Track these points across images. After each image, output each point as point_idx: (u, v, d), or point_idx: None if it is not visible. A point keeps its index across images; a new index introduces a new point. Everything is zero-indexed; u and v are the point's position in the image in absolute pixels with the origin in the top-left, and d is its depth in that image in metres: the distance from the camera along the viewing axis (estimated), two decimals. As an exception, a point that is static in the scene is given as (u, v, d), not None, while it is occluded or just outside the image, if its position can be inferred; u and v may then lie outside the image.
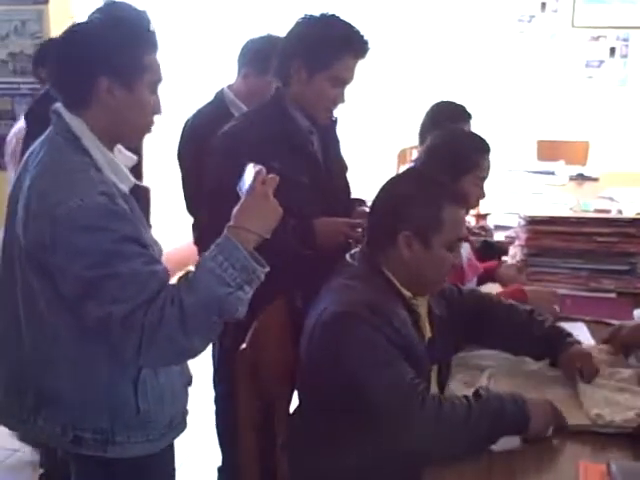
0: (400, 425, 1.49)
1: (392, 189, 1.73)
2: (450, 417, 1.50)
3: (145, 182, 1.64)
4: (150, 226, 1.66)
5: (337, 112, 2.16)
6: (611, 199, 3.60)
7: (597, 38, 5.45)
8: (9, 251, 1.51)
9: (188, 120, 2.65)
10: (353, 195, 2.34)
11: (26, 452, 3.00)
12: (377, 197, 1.74)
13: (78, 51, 1.44)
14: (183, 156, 2.63)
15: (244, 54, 2.64)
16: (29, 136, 2.53)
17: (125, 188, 1.49)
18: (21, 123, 3.09)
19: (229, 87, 2.64)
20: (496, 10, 5.49)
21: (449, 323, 1.81)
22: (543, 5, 5.48)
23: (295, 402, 1.86)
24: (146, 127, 1.54)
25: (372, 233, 1.72)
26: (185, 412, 1.64)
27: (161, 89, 1.54)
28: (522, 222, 2.52)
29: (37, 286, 1.45)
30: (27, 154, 1.55)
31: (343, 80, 2.05)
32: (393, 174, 2.06)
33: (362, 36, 2.03)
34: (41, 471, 2.81)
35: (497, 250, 2.71)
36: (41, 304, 1.45)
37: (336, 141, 2.27)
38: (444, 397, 1.58)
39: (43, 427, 1.52)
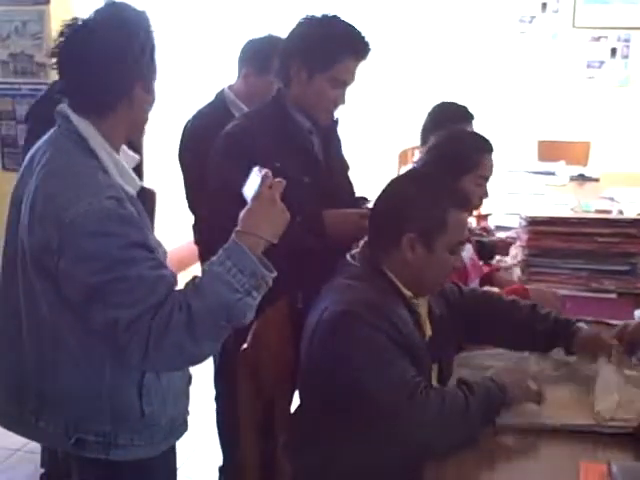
0: (405, 422, 1.49)
1: (396, 191, 1.73)
2: (452, 410, 1.52)
3: (145, 182, 1.64)
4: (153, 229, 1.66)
5: (338, 113, 2.16)
6: (612, 199, 3.61)
7: (598, 38, 5.46)
8: (10, 252, 1.51)
9: (189, 121, 2.65)
10: (356, 194, 2.35)
11: (27, 451, 3.00)
12: (380, 198, 1.74)
13: (106, 58, 1.42)
14: (184, 156, 2.63)
15: (244, 54, 2.64)
16: (31, 137, 2.53)
17: (132, 191, 1.49)
18: None
19: (230, 87, 2.64)
20: (497, 10, 5.49)
21: (450, 322, 1.81)
22: (544, 5, 5.49)
23: (296, 402, 1.86)
24: (146, 122, 1.57)
25: (375, 234, 1.72)
26: (186, 413, 1.64)
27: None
28: (523, 223, 2.52)
29: (40, 288, 1.44)
30: (30, 155, 1.54)
31: (343, 81, 2.04)
32: (394, 174, 2.06)
33: (363, 37, 2.03)
34: (42, 470, 2.81)
35: (490, 249, 2.71)
36: (43, 306, 1.45)
37: (337, 141, 2.27)
38: (445, 391, 1.59)
39: (45, 429, 1.51)
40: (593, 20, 5.42)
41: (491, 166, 2.18)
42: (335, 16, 2.05)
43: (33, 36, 3.94)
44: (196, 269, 2.58)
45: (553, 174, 4.27)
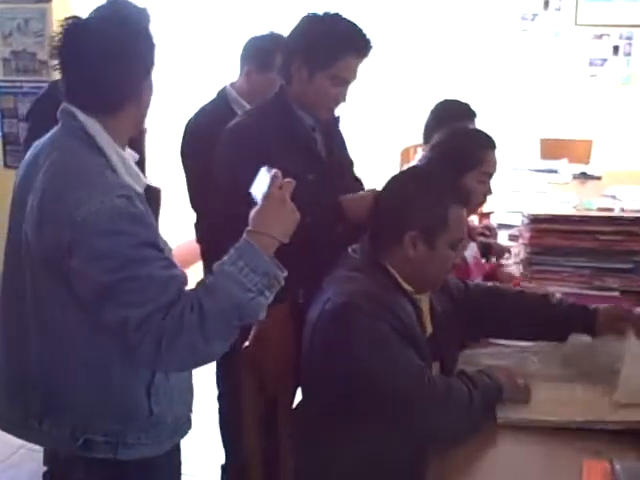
0: (411, 408, 1.51)
1: (397, 189, 1.74)
2: (457, 401, 1.54)
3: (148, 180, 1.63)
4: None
5: (339, 110, 2.16)
6: (614, 198, 3.60)
7: (600, 36, 5.45)
8: (14, 252, 1.50)
9: (191, 118, 2.65)
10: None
11: (30, 449, 3.00)
12: (382, 195, 1.75)
13: (110, 57, 1.41)
14: (186, 154, 2.63)
15: (246, 52, 2.64)
16: (31, 135, 2.53)
17: (139, 189, 1.48)
18: None
19: (232, 85, 2.64)
20: (499, 8, 5.49)
21: (454, 318, 1.81)
22: (546, 3, 5.48)
23: (299, 399, 1.86)
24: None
25: (376, 231, 1.73)
26: (190, 411, 1.64)
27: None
28: (525, 221, 2.52)
29: (49, 288, 1.43)
30: (32, 154, 1.53)
31: (345, 79, 2.04)
32: (396, 172, 2.06)
33: (364, 35, 2.02)
34: (45, 469, 2.81)
35: (483, 250, 2.70)
36: (53, 306, 1.43)
37: (340, 138, 2.27)
38: (451, 380, 1.60)
39: (49, 432, 1.49)
40: (595, 18, 5.41)
41: (494, 163, 2.18)
42: (337, 14, 2.05)
43: (35, 34, 3.94)
44: (198, 268, 2.59)
45: (555, 172, 4.26)
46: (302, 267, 1.46)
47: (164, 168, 3.71)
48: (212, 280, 1.38)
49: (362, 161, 2.36)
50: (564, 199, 3.56)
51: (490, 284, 1.98)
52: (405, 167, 3.05)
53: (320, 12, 2.06)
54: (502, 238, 2.92)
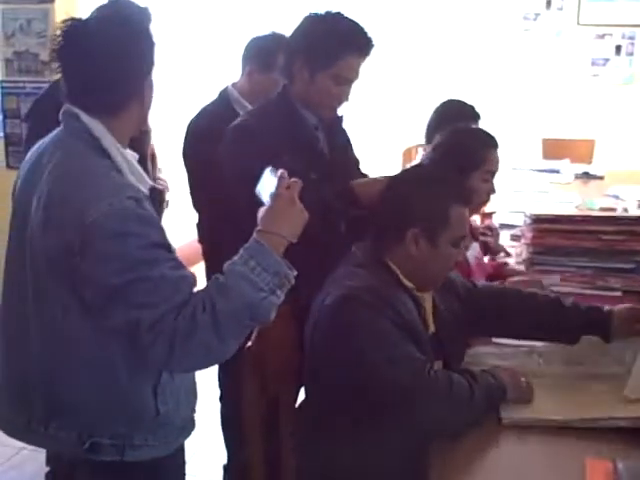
0: (412, 400, 1.52)
1: (400, 187, 1.75)
2: (458, 395, 1.55)
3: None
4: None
5: (343, 109, 2.16)
6: (616, 197, 3.60)
7: (603, 36, 5.44)
8: (16, 255, 1.49)
9: (193, 119, 2.65)
10: None
11: (32, 450, 3.01)
12: (384, 194, 1.76)
13: (113, 57, 1.41)
14: (188, 154, 2.63)
15: (248, 52, 2.64)
16: (31, 136, 2.53)
17: (144, 189, 1.48)
18: None
19: (233, 85, 2.64)
20: (501, 8, 5.48)
21: (461, 317, 1.82)
22: (548, 3, 5.48)
23: (301, 399, 1.86)
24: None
25: (379, 230, 1.74)
26: (194, 411, 1.64)
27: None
28: (527, 220, 2.52)
29: (53, 290, 1.42)
30: (34, 155, 1.52)
31: (346, 78, 2.04)
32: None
33: (366, 33, 2.02)
34: (47, 469, 2.82)
35: (484, 249, 2.70)
36: (57, 309, 1.42)
37: (345, 137, 2.27)
38: (452, 374, 1.61)
39: (55, 436, 1.48)
40: (598, 17, 5.41)
41: (497, 161, 2.19)
42: (338, 13, 2.05)
43: (38, 34, 3.94)
44: (200, 268, 2.59)
45: (558, 172, 4.26)
46: (305, 268, 1.46)
47: (166, 168, 3.71)
48: (224, 280, 1.38)
49: (364, 161, 2.36)
50: (566, 199, 3.56)
51: (500, 285, 1.98)
52: (407, 167, 3.05)
53: (322, 12, 2.06)
54: (504, 238, 2.92)
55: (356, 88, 2.10)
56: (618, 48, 5.46)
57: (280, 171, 1.45)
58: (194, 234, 2.74)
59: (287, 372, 1.82)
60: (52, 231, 1.38)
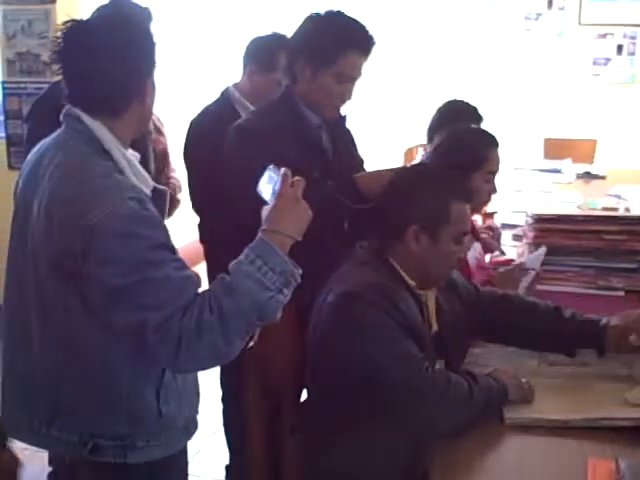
0: (410, 397, 1.52)
1: (401, 185, 1.76)
2: (456, 393, 1.55)
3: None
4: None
5: (346, 109, 2.16)
6: (618, 197, 3.60)
7: (604, 36, 5.44)
8: (18, 256, 1.49)
9: (194, 119, 2.65)
10: None
11: (35, 450, 3.00)
12: (385, 192, 1.77)
13: (114, 58, 1.40)
14: (189, 155, 2.63)
15: (249, 52, 2.64)
16: (31, 137, 2.53)
17: (147, 190, 1.48)
18: None
19: (234, 85, 2.64)
20: (503, 8, 5.48)
21: (463, 320, 1.81)
22: (550, 3, 5.47)
23: (303, 399, 1.86)
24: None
25: (380, 227, 1.75)
26: (197, 412, 1.64)
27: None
28: (529, 220, 2.52)
29: (55, 292, 1.41)
30: (35, 157, 1.52)
31: (348, 76, 2.04)
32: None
33: (366, 31, 2.02)
34: (50, 469, 2.82)
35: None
36: (59, 310, 1.42)
37: (349, 136, 2.27)
38: (450, 373, 1.61)
39: (58, 437, 1.48)
40: (599, 17, 5.41)
41: (498, 161, 2.19)
42: (339, 12, 2.05)
43: (39, 35, 3.94)
44: (202, 268, 2.59)
45: (559, 172, 4.26)
46: (308, 266, 1.46)
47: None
48: (230, 280, 1.37)
49: (366, 161, 2.36)
50: (568, 199, 3.56)
51: (501, 292, 1.97)
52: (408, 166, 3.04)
53: (323, 11, 2.06)
54: (506, 238, 2.92)
55: (358, 88, 2.10)
56: (619, 48, 5.45)
57: (283, 169, 1.45)
58: (196, 234, 2.74)
59: (289, 371, 1.82)
60: (54, 232, 1.38)
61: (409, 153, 4.34)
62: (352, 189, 1.99)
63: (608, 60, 5.48)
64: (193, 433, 1.62)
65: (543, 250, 2.38)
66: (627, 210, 3.25)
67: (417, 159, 3.45)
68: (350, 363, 1.57)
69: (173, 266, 1.37)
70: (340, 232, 2.03)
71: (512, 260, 2.62)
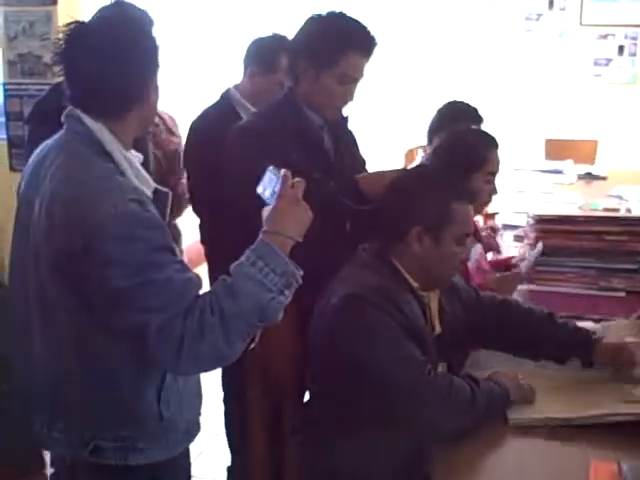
0: (411, 399, 1.52)
1: (402, 186, 1.76)
2: (458, 396, 1.55)
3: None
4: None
5: (347, 111, 2.16)
6: (620, 198, 3.59)
7: (605, 36, 5.44)
8: (21, 257, 1.49)
9: (195, 121, 2.65)
10: None
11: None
12: (387, 194, 1.77)
13: (117, 59, 1.40)
14: (190, 156, 2.63)
15: (249, 53, 2.64)
16: (32, 138, 2.53)
17: (148, 192, 1.47)
18: None
19: (235, 87, 2.64)
20: (504, 8, 5.48)
21: (464, 323, 1.81)
22: (551, 3, 5.47)
23: (304, 400, 1.86)
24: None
25: (382, 229, 1.75)
26: (199, 415, 1.63)
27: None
28: (531, 221, 2.52)
29: (56, 293, 1.41)
30: (37, 158, 1.52)
31: (351, 78, 2.04)
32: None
33: (368, 32, 2.02)
34: (52, 470, 2.81)
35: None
36: (59, 312, 1.42)
37: (351, 138, 2.28)
38: (452, 377, 1.62)
39: (59, 438, 1.48)
40: (600, 18, 5.40)
41: (498, 162, 2.19)
42: (341, 13, 2.05)
43: (41, 37, 3.94)
44: (203, 269, 2.59)
45: (561, 173, 4.26)
46: (309, 267, 1.46)
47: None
48: (231, 281, 1.37)
49: (367, 161, 2.36)
50: (569, 199, 3.56)
51: (503, 298, 1.97)
52: (408, 167, 3.05)
53: (324, 12, 2.06)
54: (507, 239, 2.92)
55: (359, 89, 2.10)
56: (621, 48, 5.45)
57: (283, 171, 1.45)
58: (197, 235, 2.74)
59: (290, 372, 1.82)
60: (55, 234, 1.38)
61: (410, 154, 4.34)
62: (354, 190, 1.99)
63: (609, 61, 5.47)
64: (195, 435, 1.61)
65: (540, 247, 2.40)
66: (628, 211, 3.24)
67: (417, 160, 3.45)
68: (352, 365, 1.57)
69: (174, 268, 1.37)
70: (342, 233, 2.03)
71: (512, 258, 2.62)
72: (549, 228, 2.44)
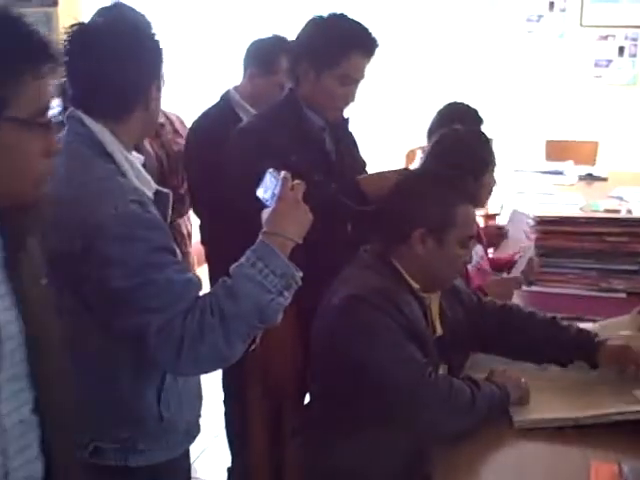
0: (412, 400, 1.53)
1: (406, 188, 1.76)
2: (458, 398, 1.55)
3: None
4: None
5: (348, 112, 2.16)
6: (620, 199, 3.59)
7: (606, 37, 5.44)
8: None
9: (195, 122, 2.65)
10: None
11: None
12: (390, 196, 1.77)
13: (119, 60, 1.40)
14: (190, 157, 2.63)
15: (249, 55, 2.64)
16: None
17: (149, 193, 1.47)
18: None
19: (235, 88, 2.64)
20: (504, 10, 5.48)
21: (465, 327, 1.81)
22: (551, 5, 5.47)
23: (306, 401, 1.86)
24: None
25: (385, 230, 1.75)
26: (199, 416, 1.63)
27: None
28: (531, 222, 2.52)
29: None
30: None
31: (352, 78, 2.04)
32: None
33: (369, 33, 2.02)
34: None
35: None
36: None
37: (351, 139, 2.28)
38: (453, 379, 1.62)
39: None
40: (601, 19, 5.41)
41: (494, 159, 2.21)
42: (342, 14, 2.06)
43: (41, 38, 3.94)
44: (203, 270, 2.59)
45: (561, 174, 4.26)
46: (309, 268, 1.46)
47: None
48: (231, 283, 1.37)
49: (368, 163, 2.36)
50: (570, 201, 3.56)
51: (504, 303, 1.97)
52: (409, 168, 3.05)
53: (325, 14, 2.06)
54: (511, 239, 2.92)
55: (360, 90, 2.10)
56: (621, 49, 5.45)
57: (283, 173, 1.45)
58: (197, 236, 2.74)
59: (290, 373, 1.82)
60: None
61: (411, 155, 4.34)
62: (355, 191, 1.99)
63: (610, 62, 5.48)
64: (195, 436, 1.61)
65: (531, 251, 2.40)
66: (629, 212, 3.25)
67: (416, 161, 3.45)
68: (353, 365, 1.57)
69: (175, 269, 1.37)
70: (343, 234, 2.03)
71: (514, 255, 2.62)
72: (550, 229, 2.44)
